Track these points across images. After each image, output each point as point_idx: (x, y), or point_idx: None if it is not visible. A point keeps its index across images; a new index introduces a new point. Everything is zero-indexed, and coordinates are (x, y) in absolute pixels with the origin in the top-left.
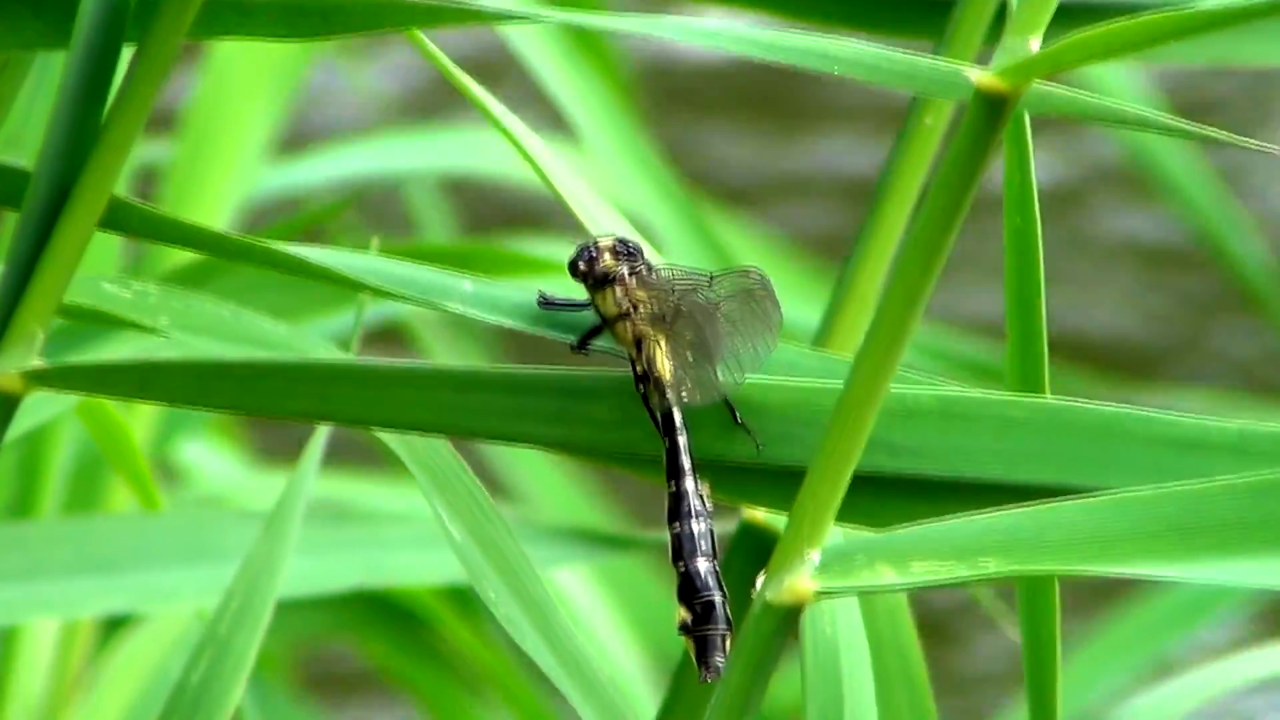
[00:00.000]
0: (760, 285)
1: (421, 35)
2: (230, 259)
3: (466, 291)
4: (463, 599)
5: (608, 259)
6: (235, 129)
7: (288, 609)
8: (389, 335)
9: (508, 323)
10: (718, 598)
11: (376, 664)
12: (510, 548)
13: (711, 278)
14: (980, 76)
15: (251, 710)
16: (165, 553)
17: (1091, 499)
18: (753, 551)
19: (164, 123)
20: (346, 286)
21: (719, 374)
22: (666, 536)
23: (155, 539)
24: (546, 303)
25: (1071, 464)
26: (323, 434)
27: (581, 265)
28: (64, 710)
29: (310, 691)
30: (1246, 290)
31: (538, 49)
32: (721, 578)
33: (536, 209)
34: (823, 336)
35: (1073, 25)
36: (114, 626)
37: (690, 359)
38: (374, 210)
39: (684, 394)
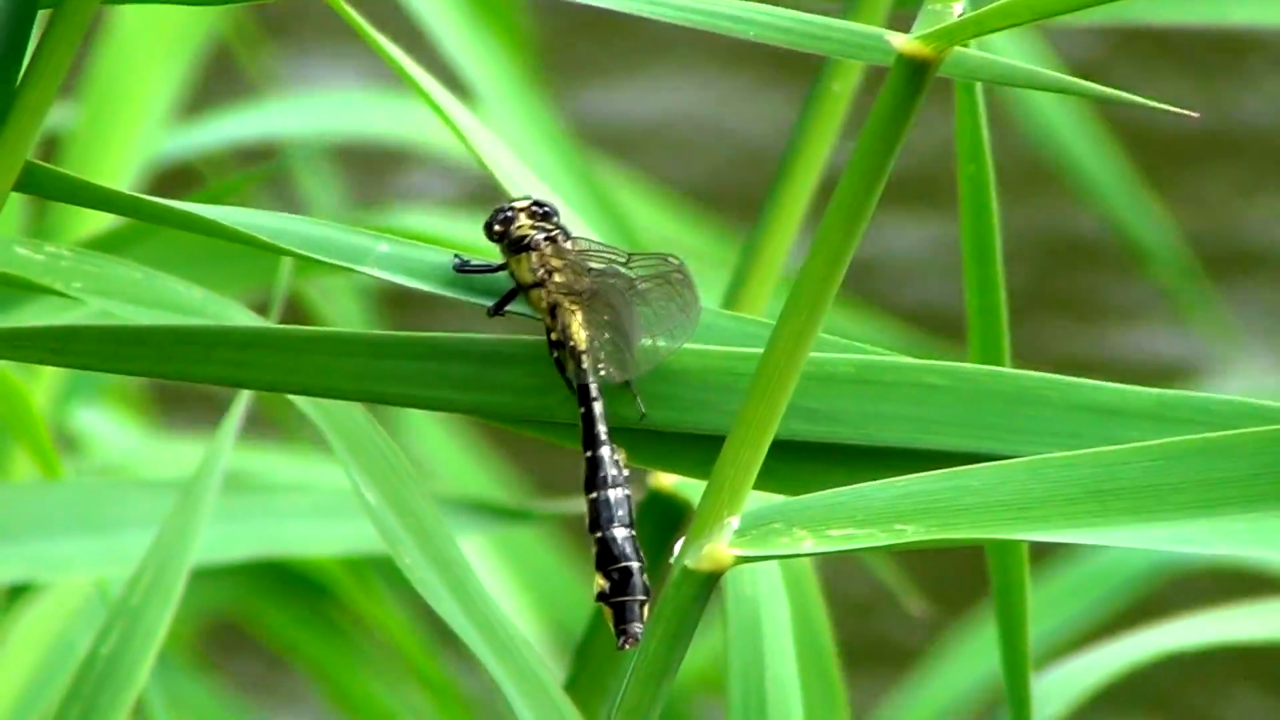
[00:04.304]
0: (678, 271)
1: None
2: (146, 221)
3: (382, 253)
4: (359, 571)
5: (523, 220)
6: (138, 94)
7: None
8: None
9: (423, 286)
10: (635, 565)
11: (273, 635)
12: (425, 511)
13: (629, 256)
14: (903, 42)
15: (154, 683)
16: (62, 522)
17: (1008, 463)
18: (662, 520)
19: (61, 85)
20: (262, 248)
21: (634, 353)
22: (583, 504)
23: (52, 507)
24: (463, 265)
25: (990, 430)
26: (241, 403)
27: (496, 227)
28: None
29: (209, 663)
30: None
31: (437, 11)
32: (639, 545)
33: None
34: (730, 299)
35: None
36: (12, 596)
37: (605, 335)
38: (265, 188)
39: (599, 367)
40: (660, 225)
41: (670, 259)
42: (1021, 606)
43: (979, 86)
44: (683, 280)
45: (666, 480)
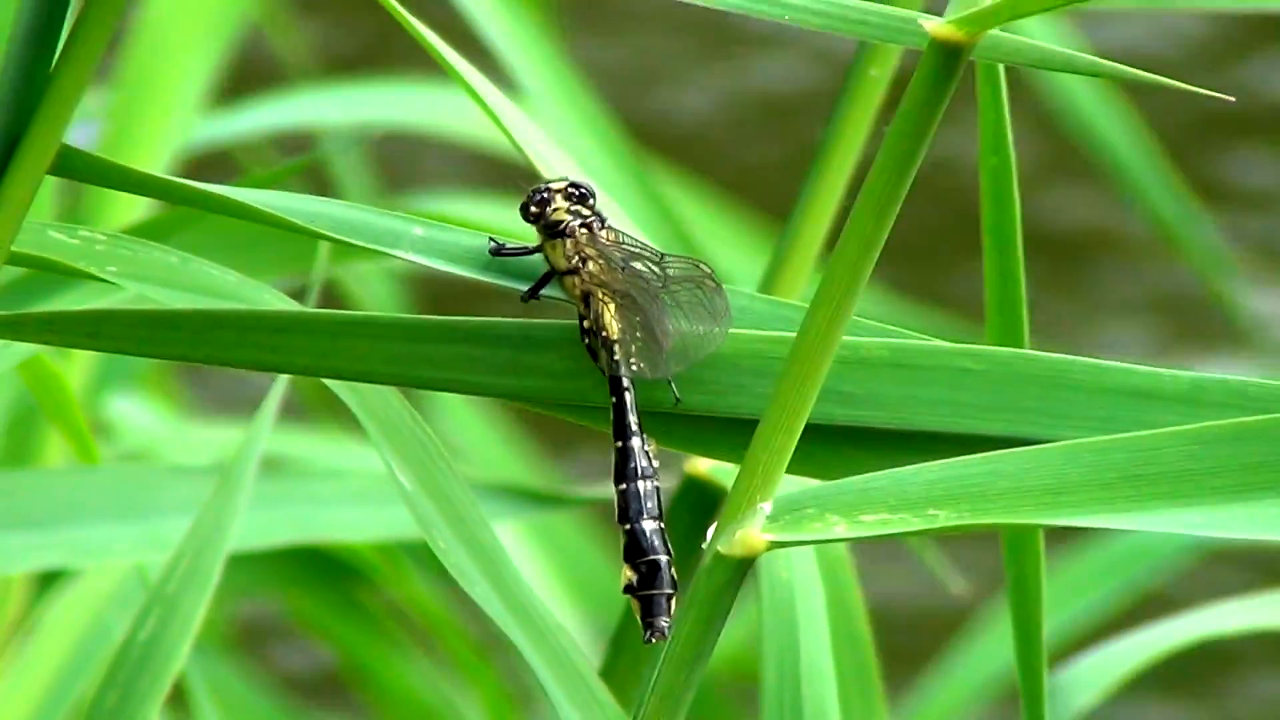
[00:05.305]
0: (710, 279)
1: None
2: (181, 204)
3: (416, 236)
4: (394, 557)
5: (559, 202)
6: (172, 79)
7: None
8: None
9: (458, 269)
10: (663, 559)
11: (304, 620)
12: (459, 495)
13: (662, 256)
14: (936, 26)
15: (191, 668)
16: (98, 507)
17: (1042, 448)
18: (697, 505)
19: (98, 70)
20: (297, 231)
21: (664, 354)
22: (612, 495)
23: (87, 493)
24: (499, 249)
25: (1024, 414)
26: (279, 390)
27: (533, 208)
28: None
29: (239, 647)
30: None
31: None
32: (667, 538)
33: (454, 167)
34: (767, 283)
35: None
36: (47, 582)
37: (637, 332)
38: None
39: (631, 360)
40: (702, 215)
41: (702, 265)
42: (1037, 600)
43: (1002, 78)
44: (714, 288)
45: (702, 465)
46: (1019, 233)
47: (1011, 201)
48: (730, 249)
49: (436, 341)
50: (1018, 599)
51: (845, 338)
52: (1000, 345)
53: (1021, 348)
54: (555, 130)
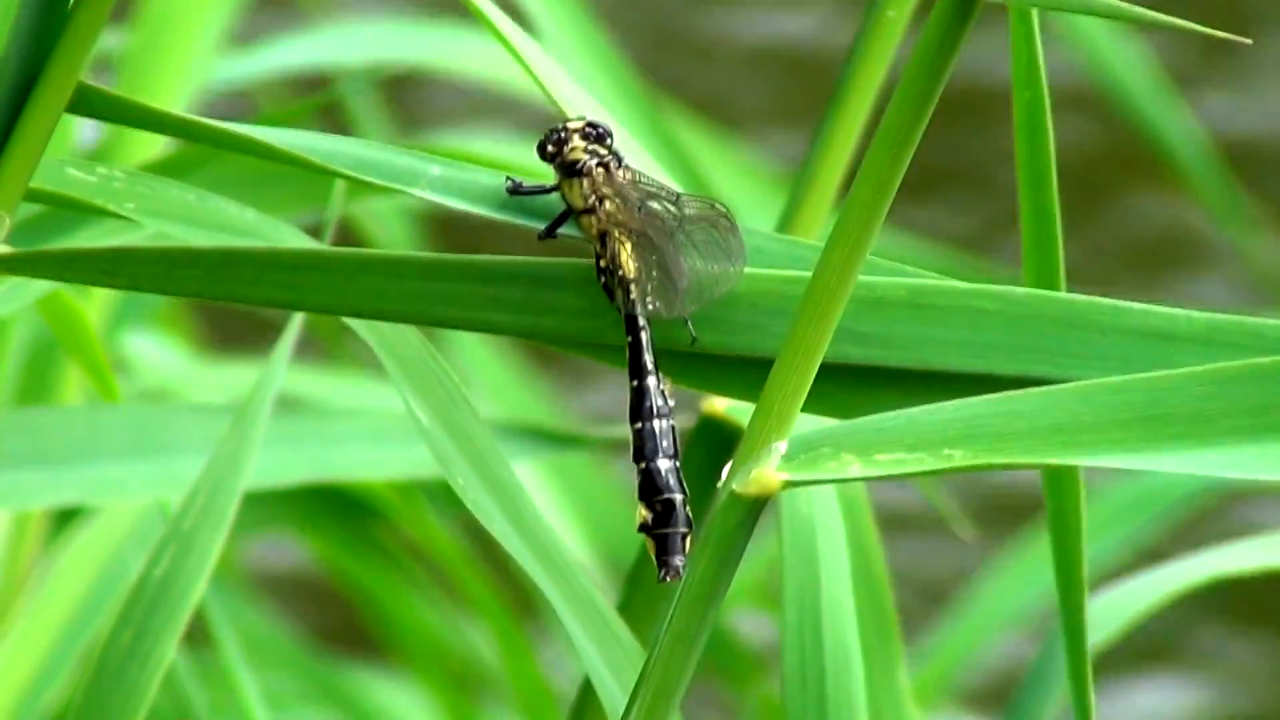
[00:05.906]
0: (725, 218)
1: None
2: (199, 142)
3: (434, 175)
4: (408, 495)
5: (576, 142)
6: (190, 18)
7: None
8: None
9: (475, 208)
10: (678, 497)
11: (319, 557)
12: (478, 433)
13: (679, 196)
14: None
15: (208, 605)
16: (115, 445)
17: (1057, 388)
18: (714, 444)
19: (115, 12)
20: (316, 170)
21: (679, 293)
22: (628, 434)
23: (104, 431)
24: (515, 188)
25: (1041, 355)
26: (295, 327)
27: (550, 147)
28: (16, 601)
29: (255, 585)
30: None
31: None
32: (683, 477)
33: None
34: (784, 224)
35: None
36: (64, 519)
37: (653, 271)
38: (313, 112)
39: (647, 299)
40: (718, 156)
41: (718, 205)
42: (1077, 531)
43: (1035, 12)
44: (730, 227)
45: (718, 404)
46: (1053, 168)
47: (1045, 135)
48: (747, 191)
49: (453, 280)
50: (1058, 531)
51: (861, 277)
52: (1036, 283)
53: (1057, 285)
54: (571, 71)
